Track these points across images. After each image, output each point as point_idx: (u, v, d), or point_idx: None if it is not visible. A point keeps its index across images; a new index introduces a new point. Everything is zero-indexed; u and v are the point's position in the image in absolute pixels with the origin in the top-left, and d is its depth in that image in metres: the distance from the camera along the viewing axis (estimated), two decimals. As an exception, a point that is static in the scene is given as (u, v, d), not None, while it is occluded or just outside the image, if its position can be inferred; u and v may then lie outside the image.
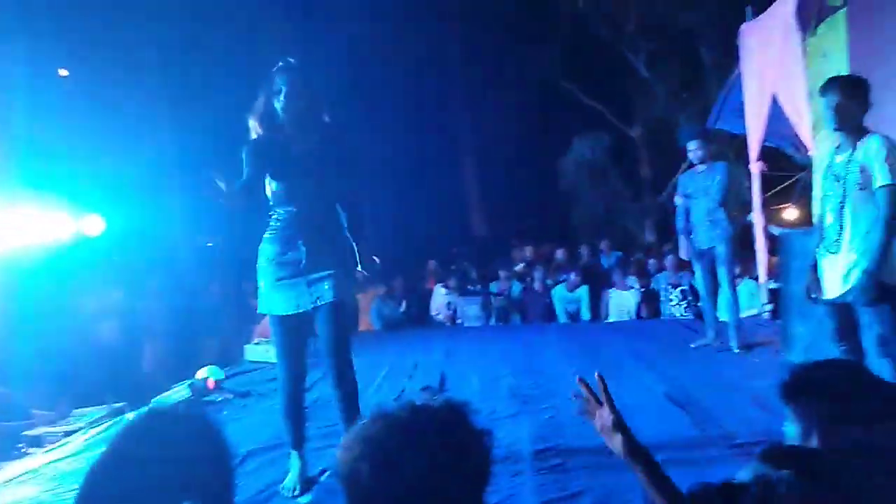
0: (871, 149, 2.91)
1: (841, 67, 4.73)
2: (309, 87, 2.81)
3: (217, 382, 4.60)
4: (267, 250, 2.85)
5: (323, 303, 2.78)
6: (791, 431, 1.50)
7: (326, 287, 2.79)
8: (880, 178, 2.87)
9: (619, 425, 1.51)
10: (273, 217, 2.87)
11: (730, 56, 7.34)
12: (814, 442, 1.44)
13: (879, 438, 1.26)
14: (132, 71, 9.11)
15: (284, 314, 2.82)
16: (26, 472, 3.44)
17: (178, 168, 9.92)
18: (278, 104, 2.75)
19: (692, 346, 5.30)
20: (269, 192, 2.86)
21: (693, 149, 5.07)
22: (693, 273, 7.45)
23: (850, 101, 2.97)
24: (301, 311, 2.80)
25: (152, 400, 4.51)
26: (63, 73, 8.58)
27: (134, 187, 8.40)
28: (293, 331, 2.86)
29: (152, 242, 8.78)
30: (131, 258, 8.50)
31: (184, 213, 10.11)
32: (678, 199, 5.33)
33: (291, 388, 2.91)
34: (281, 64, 2.81)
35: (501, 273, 8.00)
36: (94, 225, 6.48)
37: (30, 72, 6.80)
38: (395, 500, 1.00)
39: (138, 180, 8.67)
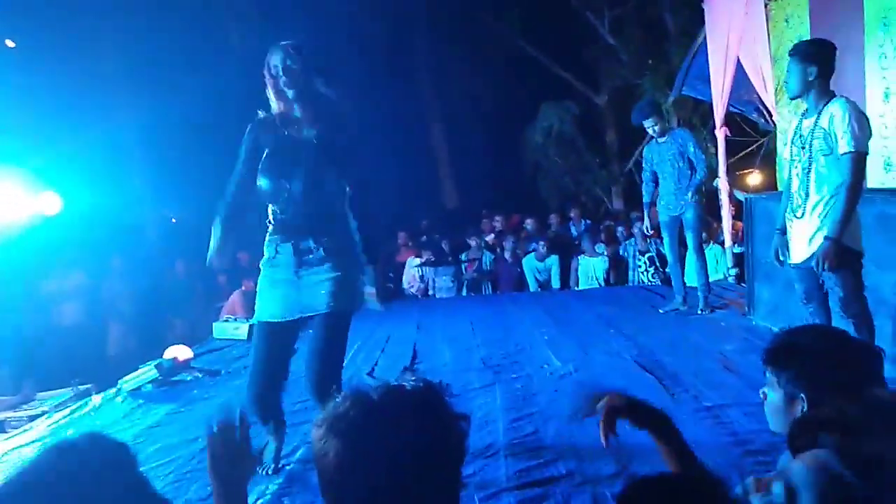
0: (835, 115, 2.92)
1: (803, 32, 4.77)
2: (308, 65, 2.53)
3: (185, 361, 4.52)
4: (264, 251, 2.64)
5: (313, 313, 2.54)
6: (773, 397, 1.51)
7: (322, 293, 2.53)
8: (843, 145, 2.89)
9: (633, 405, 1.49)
10: (268, 214, 2.62)
11: (694, 22, 7.35)
12: (798, 409, 1.45)
13: (864, 406, 1.26)
14: (88, 41, 8.76)
15: (265, 320, 2.59)
16: (-11, 460, 3.35)
17: (139, 142, 9.63)
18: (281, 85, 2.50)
19: (661, 311, 5.38)
20: (260, 186, 2.58)
21: (650, 125, 5.13)
22: (660, 240, 7.61)
23: (811, 66, 2.97)
24: (285, 320, 2.56)
25: (119, 381, 4.42)
26: (10, 43, 8.20)
27: (93, 162, 8.14)
28: (272, 337, 2.59)
29: (114, 220, 8.55)
30: (92, 237, 8.28)
31: (146, 188, 9.86)
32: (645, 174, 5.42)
33: (259, 392, 2.62)
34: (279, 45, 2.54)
35: (472, 243, 7.99)
36: (51, 203, 6.24)
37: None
38: (365, 481, 0.99)
39: (97, 155, 8.41)
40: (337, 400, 1.06)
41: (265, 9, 9.18)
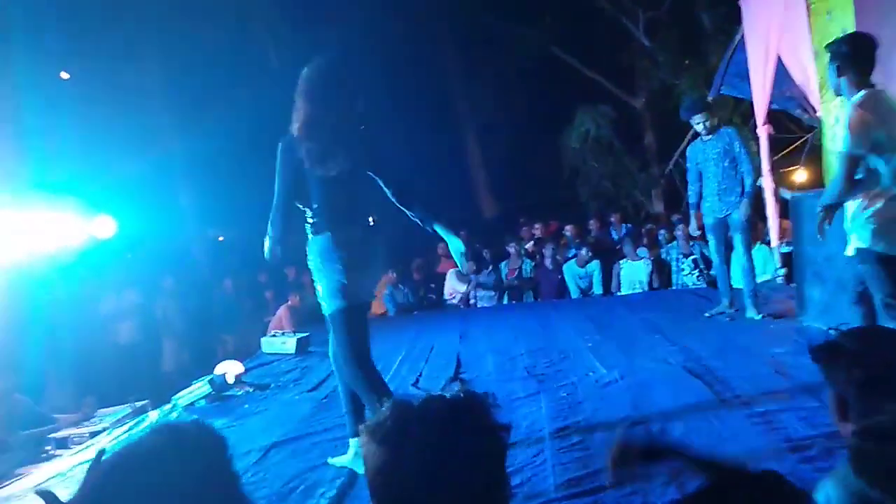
0: (843, 112, 2.92)
1: (846, 25, 4.64)
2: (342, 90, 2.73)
3: (237, 376, 4.65)
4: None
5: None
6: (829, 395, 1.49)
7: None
8: (839, 143, 2.90)
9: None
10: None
11: (731, 20, 7.22)
12: (847, 408, 1.42)
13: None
14: (136, 72, 9.12)
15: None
16: (55, 475, 3.50)
17: (185, 165, 9.97)
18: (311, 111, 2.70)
19: (707, 314, 5.28)
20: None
21: (699, 121, 5.00)
22: (705, 242, 7.46)
23: (833, 63, 2.99)
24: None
25: (173, 397, 4.57)
26: (64, 75, 8.60)
27: (143, 187, 8.46)
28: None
29: (164, 241, 8.86)
30: (144, 257, 8.59)
31: (193, 209, 10.18)
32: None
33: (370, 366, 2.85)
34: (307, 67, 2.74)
35: (511, 251, 7.99)
36: (105, 227, 6.50)
37: (33, 74, 6.81)
38: (402, 487, 1.02)
39: (147, 179, 8.73)
40: (386, 408, 1.10)
41: (298, 23, 9.38)
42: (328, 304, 2.76)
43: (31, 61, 6.72)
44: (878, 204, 2.92)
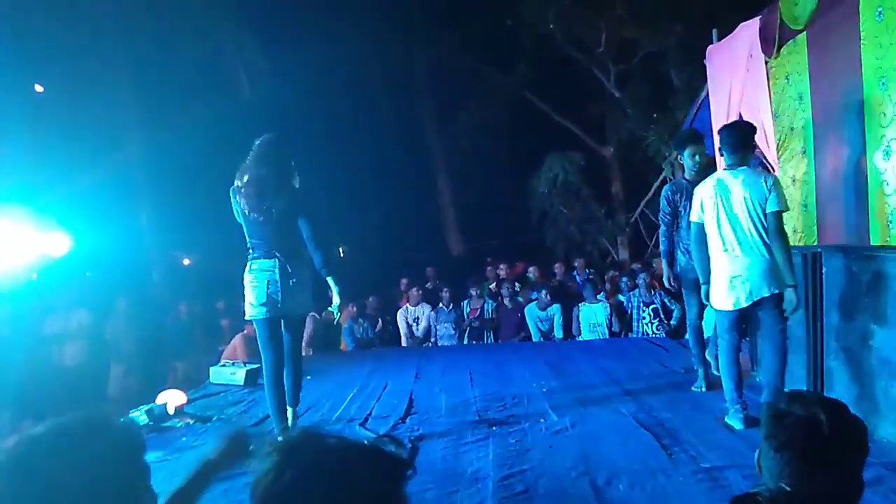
0: (770, 178, 3.85)
1: (803, 90, 4.81)
2: (280, 158, 3.66)
3: (178, 407, 4.46)
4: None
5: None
6: (763, 459, 1.46)
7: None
8: (782, 203, 3.82)
9: None
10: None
11: (698, 77, 7.45)
12: (784, 476, 1.40)
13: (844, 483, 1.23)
14: (102, 86, 8.99)
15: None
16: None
17: (152, 184, 9.78)
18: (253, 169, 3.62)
19: (693, 388, 4.57)
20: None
21: (694, 154, 4.54)
22: (666, 291, 7.52)
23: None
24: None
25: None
26: (39, 88, 8.45)
27: (103, 202, 8.26)
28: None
29: (123, 260, 8.62)
30: (100, 277, 8.33)
31: (157, 229, 9.96)
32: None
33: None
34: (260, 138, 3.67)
35: (473, 291, 7.95)
36: (60, 243, 6.29)
37: (4, 86, 6.68)
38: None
39: (108, 196, 8.53)
40: (292, 435, 1.14)
41: (279, 57, 9.41)
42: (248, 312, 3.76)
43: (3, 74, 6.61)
44: None
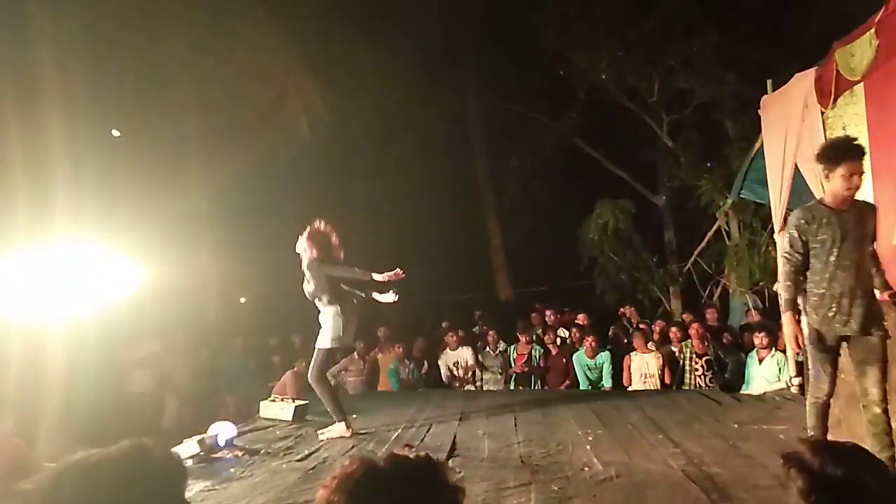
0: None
1: (861, 140, 4.73)
2: None
3: (228, 439, 4.59)
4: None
5: None
6: None
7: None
8: None
9: None
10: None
11: (753, 128, 7.40)
12: None
13: None
14: (170, 131, 9.53)
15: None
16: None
17: (211, 223, 10.22)
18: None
19: None
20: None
21: (854, 172, 3.39)
22: (718, 344, 7.32)
23: None
24: None
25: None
26: (116, 133, 9.01)
27: (171, 242, 8.66)
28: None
29: (185, 296, 8.97)
30: (161, 310, 8.68)
31: (217, 268, 10.35)
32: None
33: None
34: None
35: (521, 337, 7.92)
36: (133, 278, 6.64)
37: (84, 131, 7.17)
38: None
39: (173, 234, 8.95)
40: (347, 463, 1.21)
41: (334, 100, 9.79)
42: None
43: (86, 119, 7.11)
44: None
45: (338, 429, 4.98)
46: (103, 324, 6.73)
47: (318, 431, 4.99)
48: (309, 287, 5.00)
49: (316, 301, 5.02)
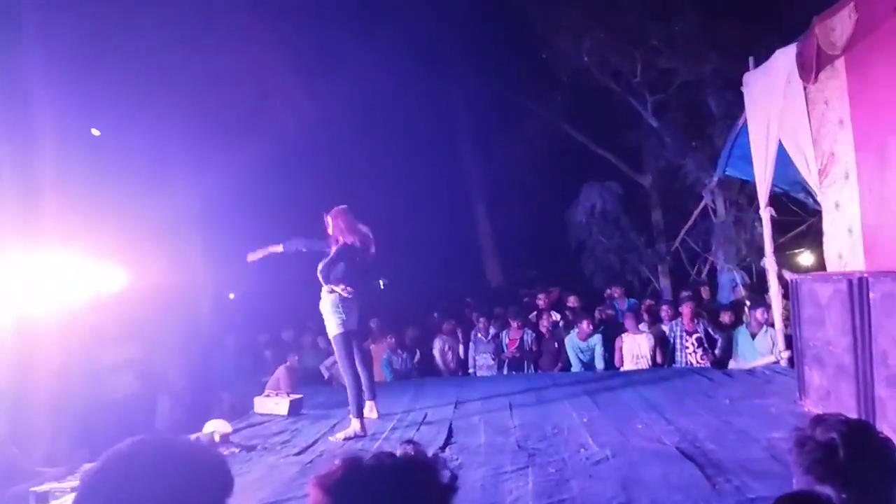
0: None
1: (843, 114, 4.76)
2: None
3: (223, 436, 4.58)
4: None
5: None
6: (797, 486, 1.47)
7: None
8: None
9: None
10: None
11: (737, 105, 7.42)
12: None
13: None
14: (154, 129, 9.41)
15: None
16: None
17: (200, 221, 10.12)
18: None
19: None
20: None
21: None
22: (708, 320, 7.39)
23: None
24: None
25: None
26: (95, 132, 8.88)
27: (156, 240, 8.58)
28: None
29: (176, 294, 8.89)
30: (152, 309, 8.61)
31: (205, 265, 10.27)
32: None
33: None
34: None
35: (513, 322, 7.94)
36: (116, 278, 6.59)
37: (62, 130, 7.07)
38: None
39: (161, 232, 8.87)
40: (338, 462, 1.17)
41: (319, 90, 9.70)
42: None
43: (61, 118, 7.00)
44: None
45: (352, 428, 4.76)
46: (90, 326, 6.69)
47: (330, 437, 4.78)
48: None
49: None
